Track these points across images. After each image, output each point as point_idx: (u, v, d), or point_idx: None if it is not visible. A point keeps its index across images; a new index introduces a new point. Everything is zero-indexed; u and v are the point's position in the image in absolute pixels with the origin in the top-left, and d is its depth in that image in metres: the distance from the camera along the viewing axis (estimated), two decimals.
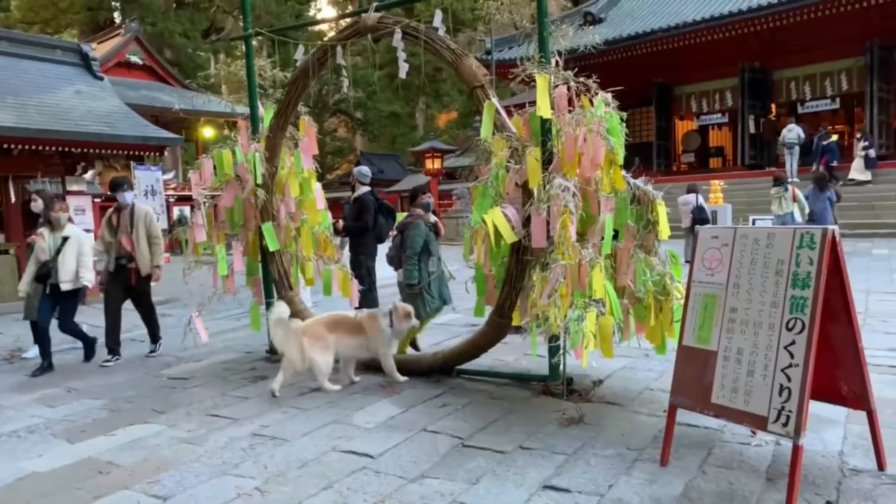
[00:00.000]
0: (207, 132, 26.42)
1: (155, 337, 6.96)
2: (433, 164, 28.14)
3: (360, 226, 7.14)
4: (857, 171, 17.62)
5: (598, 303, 4.08)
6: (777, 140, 19.89)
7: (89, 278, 6.41)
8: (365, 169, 7.42)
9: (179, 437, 4.23)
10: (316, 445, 3.94)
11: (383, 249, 7.41)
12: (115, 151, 19.75)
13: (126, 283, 6.69)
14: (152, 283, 6.78)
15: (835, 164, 17.75)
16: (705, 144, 24.69)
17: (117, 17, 38.55)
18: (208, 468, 3.68)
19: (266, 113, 6.23)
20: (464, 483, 3.32)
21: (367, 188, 7.28)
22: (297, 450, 3.89)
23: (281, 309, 5.23)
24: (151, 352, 6.87)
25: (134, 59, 27.86)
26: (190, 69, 33.61)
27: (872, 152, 17.67)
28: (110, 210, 6.85)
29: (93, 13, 37.44)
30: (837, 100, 20.33)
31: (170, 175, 24.12)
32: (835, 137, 19.57)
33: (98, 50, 25.36)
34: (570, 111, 4.38)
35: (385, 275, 7.80)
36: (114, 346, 6.60)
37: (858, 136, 18.44)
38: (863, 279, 9.04)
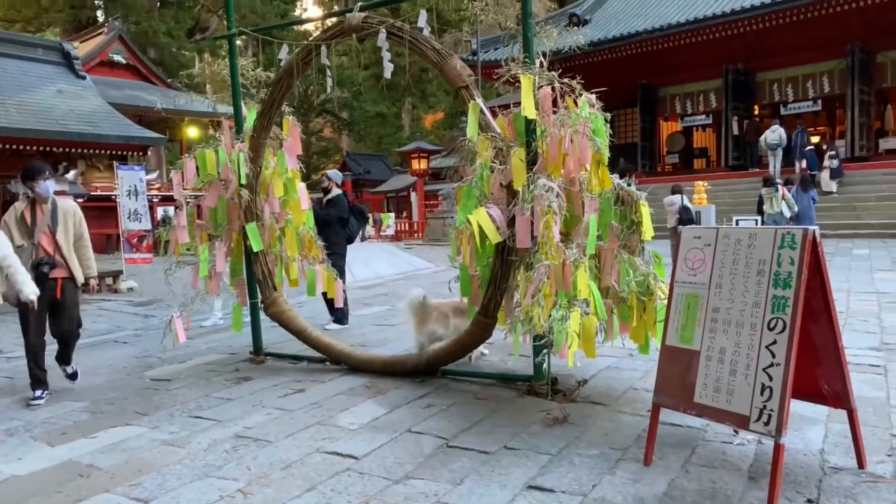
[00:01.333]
0: (192, 132, 26.24)
1: (68, 358, 5.58)
2: (419, 165, 28.22)
3: (325, 215, 7.45)
4: (825, 182, 17.93)
5: (582, 303, 4.08)
6: (759, 141, 20.12)
7: (30, 290, 4.87)
8: (339, 173, 8.24)
9: (162, 438, 4.20)
10: (300, 447, 3.92)
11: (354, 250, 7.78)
12: (97, 151, 19.66)
13: (51, 296, 5.19)
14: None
15: (814, 173, 17.97)
16: (689, 145, 24.89)
17: (100, 15, 38.27)
18: (191, 470, 3.65)
19: (249, 113, 6.19)
20: (448, 483, 3.31)
21: (340, 191, 7.86)
22: (280, 451, 3.87)
23: (418, 291, 5.63)
24: (71, 377, 5.62)
25: (117, 58, 27.64)
26: (174, 68, 33.44)
27: (836, 162, 17.91)
28: (18, 204, 5.29)
29: (75, 11, 37.15)
30: (819, 102, 20.56)
31: (153, 175, 23.92)
32: (816, 139, 19.78)
33: (80, 49, 25.13)
34: (554, 112, 4.39)
35: (364, 276, 7.91)
36: (41, 378, 5.26)
37: (825, 146, 18.72)
38: (844, 279, 9.14)
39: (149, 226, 12.52)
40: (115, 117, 20.41)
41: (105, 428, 4.46)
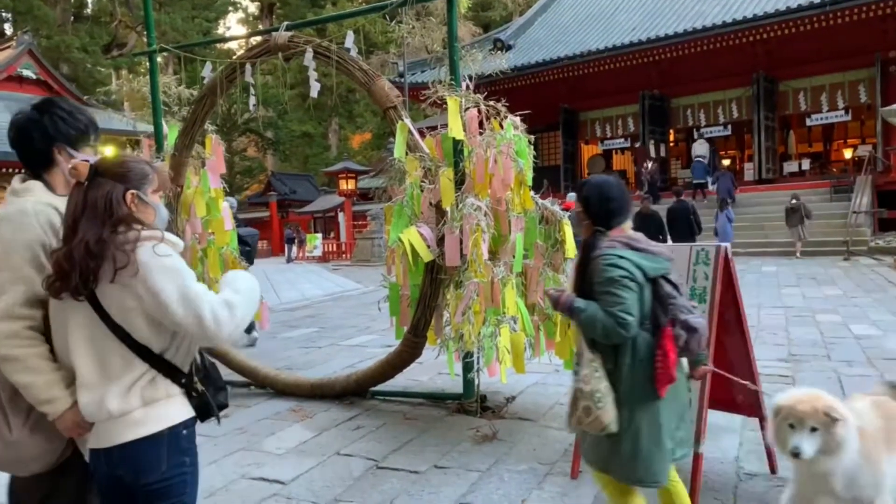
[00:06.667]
0: (108, 150, 25.20)
1: None
2: (347, 185, 28.02)
3: None
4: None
5: (510, 319, 4.15)
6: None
7: None
8: (234, 199, 8.05)
9: None
10: (224, 473, 3.80)
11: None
12: (5, 170, 18.66)
13: None
14: None
15: (701, 181, 19.43)
16: (609, 168, 25.72)
17: (8, 28, 36.51)
18: None
19: (170, 131, 6.03)
20: None
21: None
22: (204, 479, 3.69)
23: None
24: None
25: (27, 73, 26.34)
26: (89, 85, 32.18)
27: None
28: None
29: None
30: (729, 126, 21.68)
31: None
32: (727, 162, 20.88)
33: None
34: (480, 133, 4.47)
35: (290, 297, 7.74)
36: None
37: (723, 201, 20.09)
38: (754, 294, 9.61)
39: None
40: None
41: None
